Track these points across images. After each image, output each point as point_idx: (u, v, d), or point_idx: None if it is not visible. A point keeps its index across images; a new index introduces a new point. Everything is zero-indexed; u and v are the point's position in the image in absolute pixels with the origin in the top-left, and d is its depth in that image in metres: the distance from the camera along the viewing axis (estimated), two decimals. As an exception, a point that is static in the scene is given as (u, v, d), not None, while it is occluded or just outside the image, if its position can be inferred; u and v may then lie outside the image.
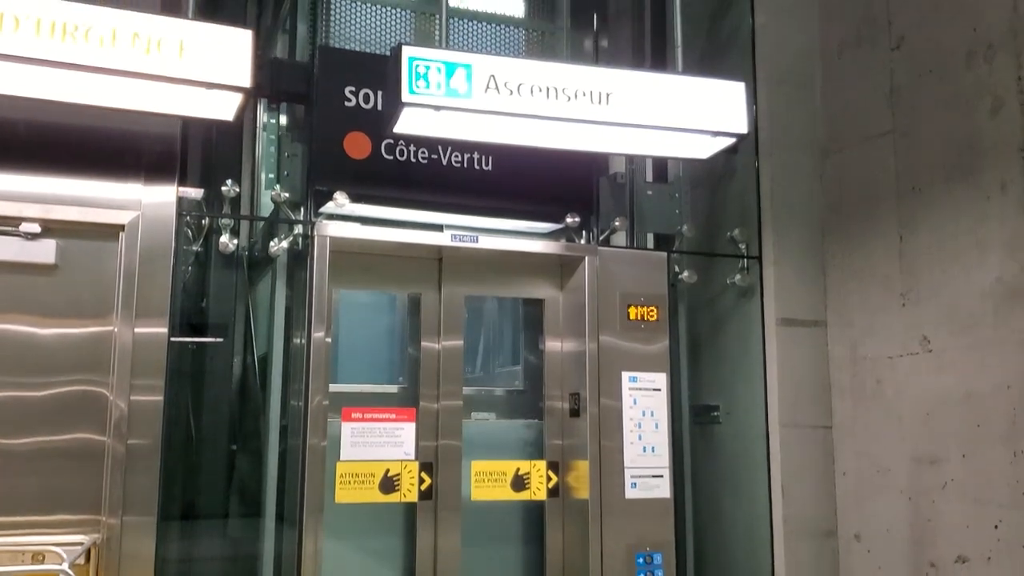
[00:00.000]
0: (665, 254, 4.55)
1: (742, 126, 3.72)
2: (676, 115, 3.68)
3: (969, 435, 3.81)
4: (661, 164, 4.97)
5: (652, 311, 4.37)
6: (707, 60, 5.10)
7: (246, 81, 3.26)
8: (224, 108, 3.42)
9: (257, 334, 4.40)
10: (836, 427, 4.51)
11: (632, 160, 4.77)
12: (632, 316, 4.35)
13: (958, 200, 3.90)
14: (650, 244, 4.80)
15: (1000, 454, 3.67)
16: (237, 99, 3.36)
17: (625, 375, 4.28)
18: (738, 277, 4.64)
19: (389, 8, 4.72)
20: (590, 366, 4.24)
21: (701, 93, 3.70)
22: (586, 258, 4.35)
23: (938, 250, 4.00)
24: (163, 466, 3.56)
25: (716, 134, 3.72)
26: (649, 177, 4.96)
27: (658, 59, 5.15)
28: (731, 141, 3.77)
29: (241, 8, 4.49)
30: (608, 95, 3.65)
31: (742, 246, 4.65)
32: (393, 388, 4.31)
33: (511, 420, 4.49)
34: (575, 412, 4.32)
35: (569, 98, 3.61)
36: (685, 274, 4.65)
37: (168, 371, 3.61)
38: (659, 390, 4.32)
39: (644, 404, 4.29)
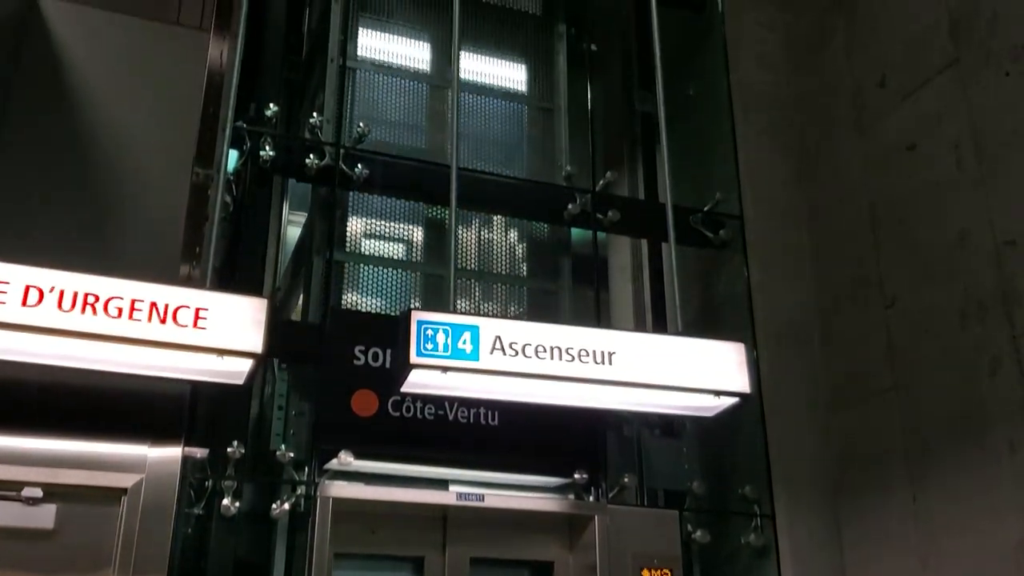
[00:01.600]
0: (676, 512, 4.45)
1: (744, 386, 3.74)
2: (678, 375, 3.71)
3: None
4: (669, 417, 4.96)
5: (666, 575, 4.21)
6: (705, 314, 5.23)
7: (259, 348, 3.33)
8: (235, 373, 3.48)
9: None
10: None
11: (639, 415, 4.78)
12: (646, 580, 4.19)
13: (968, 460, 3.86)
14: (660, 501, 4.70)
15: None
16: (249, 364, 3.43)
17: (640, 648, 4.06)
18: (752, 537, 4.50)
19: (399, 272, 4.93)
20: (603, 637, 4.03)
21: (702, 353, 3.76)
22: (596, 516, 4.26)
23: (954, 512, 3.91)
24: None
25: (719, 394, 3.75)
26: (657, 431, 4.94)
27: (658, 312, 5.29)
28: (735, 401, 3.78)
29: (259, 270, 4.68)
30: (611, 354, 3.70)
31: (754, 505, 4.55)
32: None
33: None
34: None
35: (573, 358, 3.66)
36: (698, 533, 4.51)
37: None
38: (677, 665, 4.08)
39: None
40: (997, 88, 4.02)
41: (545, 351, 3.64)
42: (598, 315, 4.99)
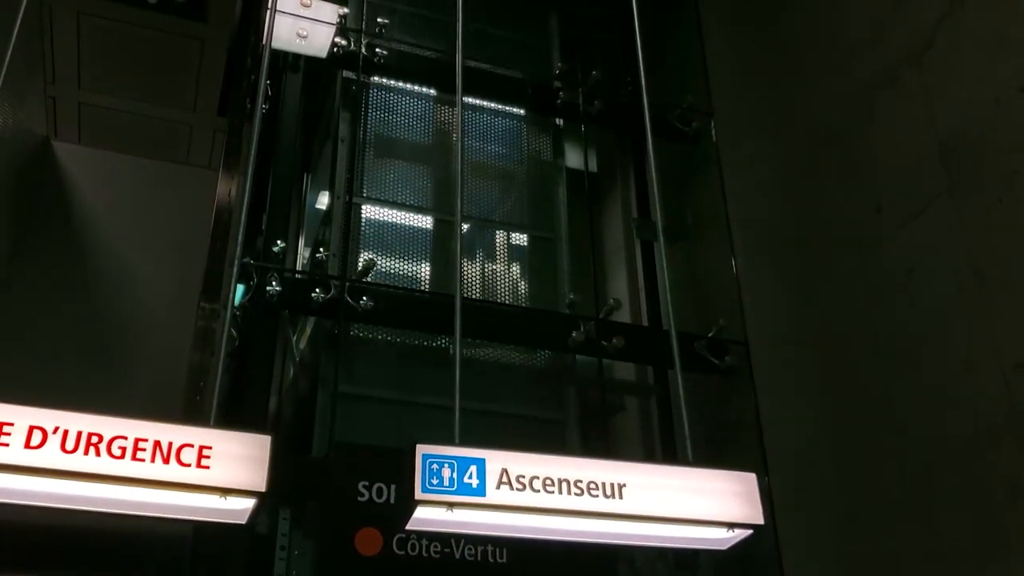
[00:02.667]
0: (695, 655, 4.29)
1: (758, 517, 3.66)
2: (690, 508, 3.64)
3: None
4: (681, 550, 4.83)
5: None
6: (714, 440, 5.16)
7: (262, 486, 3.27)
8: (238, 512, 3.41)
9: None
10: None
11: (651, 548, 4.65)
12: None
13: (993, 592, 3.74)
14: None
15: None
16: (252, 503, 3.36)
17: None
18: (774, 676, 4.32)
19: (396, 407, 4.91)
20: None
21: (714, 485, 3.69)
22: (610, 662, 4.09)
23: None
24: None
25: (732, 526, 3.66)
26: (671, 564, 4.80)
27: (666, 437, 5.22)
28: (748, 533, 3.69)
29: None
30: (621, 487, 3.64)
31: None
32: None
33: None
34: None
35: (582, 491, 3.59)
36: (716, 674, 4.34)
37: None
38: None
39: None
40: (991, 214, 4.07)
41: (553, 484, 3.58)
42: (606, 443, 4.93)
